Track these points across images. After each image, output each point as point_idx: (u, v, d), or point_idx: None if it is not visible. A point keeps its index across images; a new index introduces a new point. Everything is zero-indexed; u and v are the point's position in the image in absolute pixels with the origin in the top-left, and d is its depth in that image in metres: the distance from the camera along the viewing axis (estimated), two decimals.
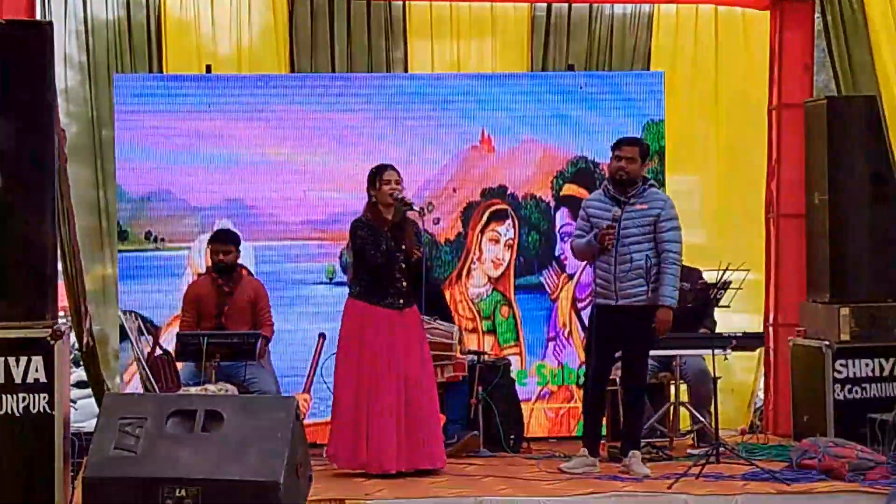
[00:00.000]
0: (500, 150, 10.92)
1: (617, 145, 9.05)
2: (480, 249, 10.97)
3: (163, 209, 10.44)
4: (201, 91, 10.47)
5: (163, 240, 10.43)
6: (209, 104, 10.47)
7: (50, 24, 7.27)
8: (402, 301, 8.86)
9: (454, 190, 10.91)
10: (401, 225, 8.88)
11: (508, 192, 10.95)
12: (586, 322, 9.85)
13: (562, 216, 11.02)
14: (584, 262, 10.06)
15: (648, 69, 11.05)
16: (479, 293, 10.91)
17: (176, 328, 9.67)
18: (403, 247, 8.84)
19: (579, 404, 10.35)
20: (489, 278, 10.97)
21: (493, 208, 10.94)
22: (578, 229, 9.07)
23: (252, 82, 10.58)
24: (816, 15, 10.94)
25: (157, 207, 10.44)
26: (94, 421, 10.29)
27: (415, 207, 8.95)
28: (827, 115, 10.12)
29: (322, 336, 9.85)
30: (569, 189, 10.98)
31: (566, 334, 10.88)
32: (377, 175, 8.95)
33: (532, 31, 11.05)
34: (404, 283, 8.86)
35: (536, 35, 11.05)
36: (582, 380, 9.68)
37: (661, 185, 10.67)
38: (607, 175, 9.18)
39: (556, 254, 10.94)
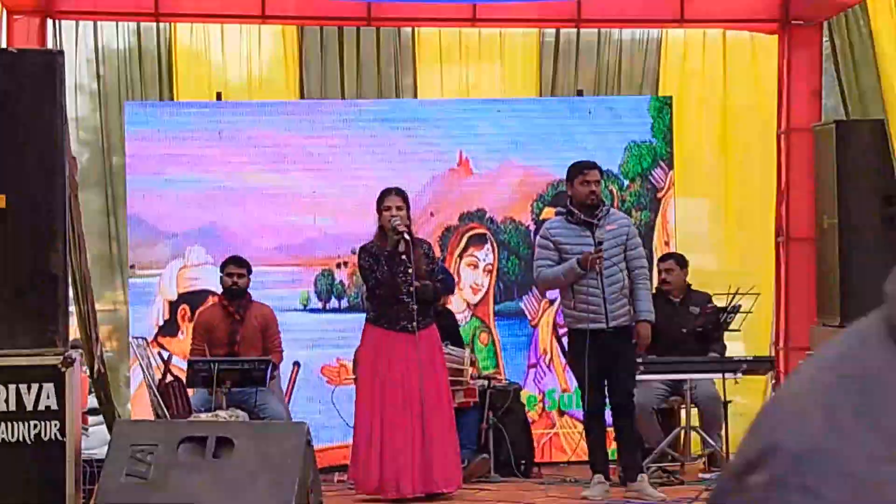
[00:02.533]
0: (478, 172, 10.75)
1: (579, 171, 9.07)
2: (459, 275, 10.78)
3: (133, 236, 10.35)
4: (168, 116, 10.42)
5: (132, 266, 10.38)
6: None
7: (61, 52, 7.32)
8: (414, 324, 8.88)
9: (431, 214, 10.71)
10: (399, 251, 8.87)
11: (487, 215, 10.78)
12: (566, 348, 9.82)
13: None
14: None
15: (657, 93, 11.07)
16: (458, 319, 10.64)
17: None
18: (410, 271, 8.85)
19: (560, 430, 10.36)
20: (468, 304, 10.79)
21: (472, 232, 10.80)
22: (544, 258, 8.98)
23: (229, 108, 10.51)
24: (825, 39, 10.95)
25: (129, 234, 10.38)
26: (106, 448, 10.43)
27: (405, 237, 8.89)
28: (835, 139, 10.14)
29: (297, 364, 9.84)
30: (549, 213, 10.63)
31: (547, 361, 10.69)
32: (380, 201, 9.01)
33: (541, 56, 11.08)
34: (414, 307, 8.88)
35: (545, 60, 11.08)
36: (561, 406, 9.72)
37: (649, 207, 10.73)
38: (573, 201, 9.11)
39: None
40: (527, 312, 10.65)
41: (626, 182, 10.83)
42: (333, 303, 10.57)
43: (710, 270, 10.92)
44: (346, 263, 10.52)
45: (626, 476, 8.99)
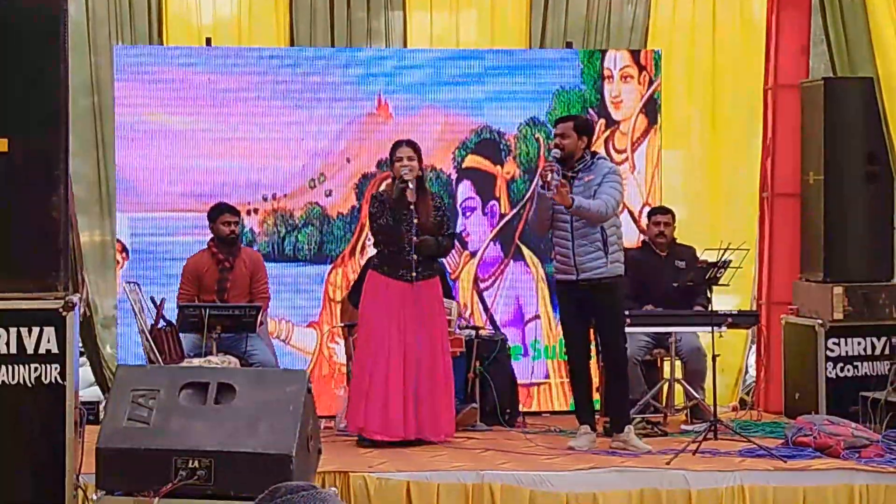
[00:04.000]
0: (398, 117, 10.56)
1: (554, 124, 9.17)
2: None
3: None
4: None
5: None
6: None
7: None
8: (413, 275, 8.96)
9: (348, 160, 10.53)
10: (410, 201, 8.93)
11: (422, 160, 10.59)
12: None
13: (464, 189, 10.73)
14: (489, 241, 10.28)
15: (645, 47, 11.10)
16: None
17: None
18: (415, 220, 8.92)
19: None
20: None
21: (390, 180, 10.68)
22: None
23: (136, 49, 10.37)
24: None
25: None
26: (90, 390, 10.47)
27: (410, 185, 8.93)
28: (824, 96, 10.21)
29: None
30: (472, 161, 10.69)
31: (467, 315, 10.58)
32: (392, 151, 9.07)
33: (530, 6, 11.08)
34: (414, 257, 8.95)
35: (535, 11, 11.07)
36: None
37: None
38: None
39: (458, 229, 10.58)
40: (445, 265, 10.29)
41: (553, 130, 10.69)
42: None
43: (694, 224, 11.00)
44: (256, 210, 10.40)
45: (612, 427, 9.08)
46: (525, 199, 10.70)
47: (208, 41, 10.45)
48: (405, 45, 10.91)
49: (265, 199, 10.46)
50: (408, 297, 8.96)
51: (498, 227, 10.78)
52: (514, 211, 10.77)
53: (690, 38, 11.26)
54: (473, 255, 10.72)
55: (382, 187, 9.22)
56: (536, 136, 10.74)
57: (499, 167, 10.77)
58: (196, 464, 6.52)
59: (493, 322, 10.61)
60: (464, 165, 10.67)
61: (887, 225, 10.31)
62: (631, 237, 10.45)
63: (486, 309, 10.64)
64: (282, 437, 6.57)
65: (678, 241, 10.40)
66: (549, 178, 8.65)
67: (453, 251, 10.29)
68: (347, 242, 10.57)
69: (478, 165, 10.70)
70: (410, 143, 9.11)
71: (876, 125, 9.97)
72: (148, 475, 6.43)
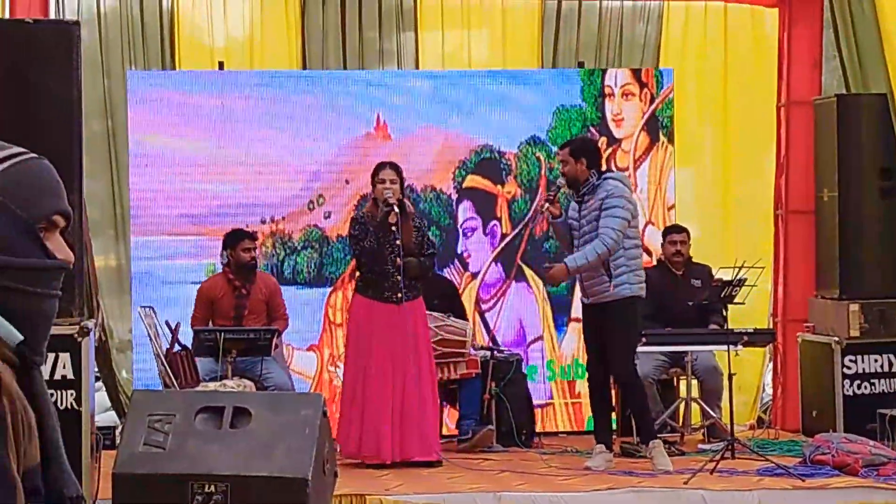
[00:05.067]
0: (396, 138, 10.48)
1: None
2: None
3: None
4: None
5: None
6: None
7: (77, 23, 7.31)
8: (398, 296, 8.96)
9: (347, 181, 10.44)
10: (392, 223, 8.89)
11: (406, 183, 10.17)
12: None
13: (465, 210, 10.62)
14: (490, 261, 10.37)
15: (657, 65, 11.10)
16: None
17: None
18: (398, 243, 8.90)
19: None
20: None
21: (370, 202, 10.46)
22: None
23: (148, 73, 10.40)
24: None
25: None
26: (106, 415, 10.46)
27: (395, 209, 8.89)
28: (837, 113, 10.19)
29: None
30: (472, 181, 10.60)
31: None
32: (375, 173, 9.07)
33: (542, 26, 11.08)
34: (399, 279, 8.94)
35: (547, 30, 11.07)
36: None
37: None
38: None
39: (459, 251, 10.55)
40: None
41: (555, 149, 10.52)
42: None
43: (708, 242, 10.97)
44: (254, 233, 10.16)
45: (641, 439, 9.14)
46: (527, 220, 10.66)
47: (221, 65, 10.46)
48: (417, 66, 10.91)
49: (263, 222, 10.36)
50: (395, 319, 8.96)
51: (499, 248, 10.69)
52: (516, 231, 10.69)
53: (702, 55, 11.25)
54: (475, 276, 10.64)
55: (364, 209, 9.20)
56: (537, 154, 10.70)
57: (499, 187, 10.70)
58: (212, 488, 6.50)
59: (495, 343, 10.54)
60: (464, 185, 10.59)
61: None
62: None
63: (488, 330, 10.59)
64: (298, 461, 6.55)
65: (693, 259, 10.37)
66: (545, 208, 8.89)
67: (454, 270, 10.32)
68: (347, 264, 10.43)
69: (478, 185, 10.62)
70: (393, 166, 9.09)
71: (890, 141, 9.97)
72: (164, 500, 6.41)
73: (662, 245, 10.34)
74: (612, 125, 10.84)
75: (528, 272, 10.70)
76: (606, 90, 10.82)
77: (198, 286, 9.95)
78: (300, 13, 10.74)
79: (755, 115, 11.19)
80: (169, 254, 10.23)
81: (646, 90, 10.88)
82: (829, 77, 12.00)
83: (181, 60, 10.62)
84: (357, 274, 9.34)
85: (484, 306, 10.67)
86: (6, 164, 1.94)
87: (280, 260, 10.42)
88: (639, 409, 9.14)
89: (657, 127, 10.90)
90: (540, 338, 10.72)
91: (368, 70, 10.75)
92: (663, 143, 10.88)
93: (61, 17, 9.81)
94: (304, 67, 10.74)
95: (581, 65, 10.94)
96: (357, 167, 10.40)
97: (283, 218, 10.45)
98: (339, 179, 10.46)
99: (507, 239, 10.71)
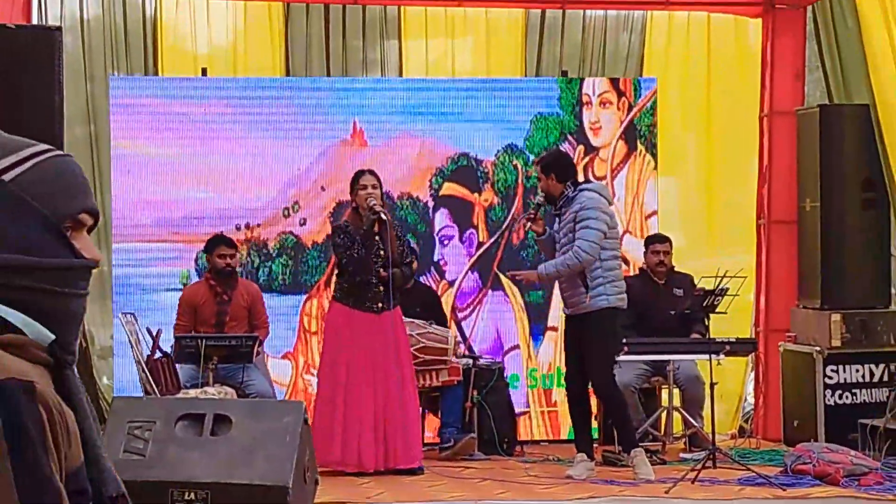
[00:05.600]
0: (373, 145, 10.42)
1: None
2: None
3: None
4: None
5: None
6: None
7: (59, 29, 7.27)
8: (380, 305, 8.96)
9: (322, 188, 10.39)
10: (376, 231, 8.90)
11: (382, 190, 10.31)
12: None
13: (441, 218, 10.59)
14: (467, 270, 10.35)
15: (641, 74, 11.11)
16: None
17: None
18: (382, 252, 8.90)
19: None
20: None
21: (350, 210, 10.42)
22: None
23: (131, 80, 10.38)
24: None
25: None
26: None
27: (383, 216, 8.89)
28: (819, 123, 10.21)
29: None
30: (449, 188, 10.54)
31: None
32: (355, 180, 9.02)
33: (526, 35, 11.09)
34: (381, 288, 8.93)
35: (530, 39, 11.08)
36: None
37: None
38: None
39: (435, 258, 10.51)
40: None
41: (532, 157, 10.56)
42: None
43: (690, 251, 10.98)
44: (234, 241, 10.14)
45: (623, 448, 9.14)
46: (504, 228, 10.64)
47: (204, 71, 10.44)
48: (401, 74, 10.91)
49: (238, 229, 10.26)
50: (374, 327, 8.95)
51: (476, 256, 10.64)
52: (493, 239, 10.66)
53: (686, 64, 11.27)
54: (451, 284, 10.59)
55: (344, 218, 9.17)
56: (514, 162, 10.66)
57: (476, 195, 10.65)
58: (192, 495, 6.49)
59: (471, 352, 10.51)
60: (441, 193, 10.53)
61: (884, 251, 10.31)
62: None
63: (464, 339, 10.55)
64: (278, 468, 6.55)
65: (676, 268, 10.38)
66: (531, 229, 8.90)
67: (431, 280, 10.30)
68: (322, 272, 10.40)
69: (455, 193, 10.56)
70: (372, 172, 9.08)
71: (872, 152, 9.99)
72: None
73: (645, 254, 10.34)
74: (589, 133, 10.80)
75: (505, 281, 10.66)
76: (584, 98, 10.79)
77: (172, 293, 9.93)
78: (284, 21, 10.74)
79: (738, 124, 11.20)
80: (143, 260, 10.16)
81: (623, 99, 10.86)
82: (812, 87, 12.05)
83: (164, 67, 10.61)
84: (334, 281, 9.30)
85: (460, 315, 10.62)
86: (31, 163, 1.91)
87: (255, 267, 10.36)
88: (620, 419, 9.14)
89: (635, 135, 10.87)
90: (516, 347, 10.68)
91: (344, 77, 10.71)
92: (641, 151, 10.85)
93: (44, 23, 9.79)
94: (288, 75, 10.73)
95: (564, 74, 10.93)
96: (333, 174, 10.36)
97: (259, 225, 10.37)
98: (314, 186, 10.41)
99: (484, 247, 10.67)
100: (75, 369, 1.95)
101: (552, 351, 10.64)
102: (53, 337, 1.88)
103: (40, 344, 1.88)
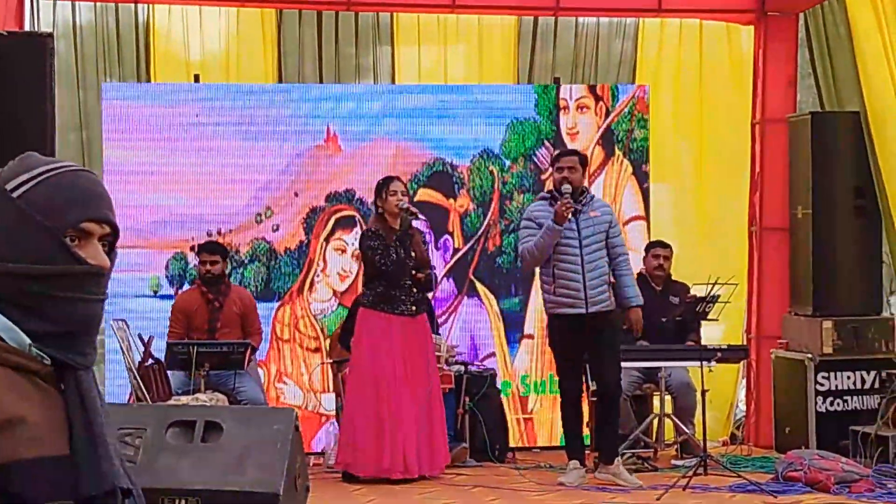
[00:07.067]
0: (347, 150, 10.34)
1: (556, 158, 9.16)
2: (325, 260, 10.32)
3: None
4: None
5: None
6: None
7: (51, 35, 7.26)
8: (414, 308, 8.98)
9: (296, 194, 10.28)
10: (407, 233, 8.95)
11: (356, 196, 10.30)
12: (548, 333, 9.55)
13: (416, 224, 10.51)
14: (442, 276, 10.20)
15: (634, 81, 11.12)
16: (323, 308, 10.33)
17: None
18: (413, 254, 8.92)
19: None
20: (335, 292, 10.35)
21: (339, 214, 10.36)
22: (528, 237, 8.95)
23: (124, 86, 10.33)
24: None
25: None
26: None
27: (420, 217, 8.98)
28: (811, 130, 10.22)
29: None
30: (424, 194, 10.44)
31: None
32: (384, 186, 9.03)
33: (518, 42, 11.10)
34: (415, 290, 8.96)
35: (523, 46, 11.09)
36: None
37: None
38: (552, 187, 9.16)
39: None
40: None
41: (508, 163, 10.58)
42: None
43: (683, 258, 10.98)
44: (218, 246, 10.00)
45: (602, 458, 9.04)
46: (479, 234, 10.62)
47: (196, 78, 10.44)
48: (393, 81, 10.91)
49: (209, 235, 10.16)
50: (409, 331, 8.96)
51: (451, 263, 10.59)
52: (469, 246, 10.61)
53: (678, 71, 11.27)
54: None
55: (371, 224, 9.16)
56: (490, 168, 10.62)
57: (451, 201, 10.60)
58: (183, 503, 6.48)
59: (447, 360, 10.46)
60: (416, 199, 10.36)
61: (876, 259, 10.32)
62: None
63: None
64: (269, 476, 6.53)
65: (673, 276, 10.38)
66: (568, 216, 8.72)
67: None
68: (296, 279, 10.33)
69: (430, 199, 10.48)
70: (399, 179, 9.16)
71: (864, 159, 10.01)
72: None
73: (644, 258, 10.34)
74: (566, 139, 10.75)
75: (481, 287, 10.62)
76: (561, 104, 10.76)
77: (142, 300, 9.94)
78: (277, 28, 10.74)
79: (730, 131, 11.22)
80: (115, 266, 10.05)
81: (601, 104, 10.83)
82: (805, 95, 12.06)
83: (156, 73, 10.61)
84: (363, 289, 9.23)
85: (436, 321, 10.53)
86: (38, 179, 2.07)
87: (227, 273, 10.28)
88: (616, 425, 9.14)
89: (612, 141, 10.83)
90: (492, 354, 10.65)
91: (319, 84, 10.66)
92: (619, 157, 10.81)
93: (36, 29, 9.79)
94: (281, 82, 10.73)
95: (557, 81, 10.94)
96: (306, 180, 10.29)
97: (231, 231, 10.26)
98: (288, 192, 10.31)
99: (460, 254, 10.62)
100: (92, 371, 2.10)
101: (528, 358, 10.62)
102: (29, 342, 2.01)
103: (17, 349, 2.01)
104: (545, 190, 9.81)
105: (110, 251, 2.15)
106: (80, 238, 2.08)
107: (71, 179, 2.10)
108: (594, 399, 9.58)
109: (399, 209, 8.90)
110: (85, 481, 2.02)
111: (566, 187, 8.81)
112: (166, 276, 10.15)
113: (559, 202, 8.75)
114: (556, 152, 9.47)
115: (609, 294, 8.90)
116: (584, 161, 9.14)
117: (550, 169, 9.24)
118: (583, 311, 8.86)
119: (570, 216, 8.76)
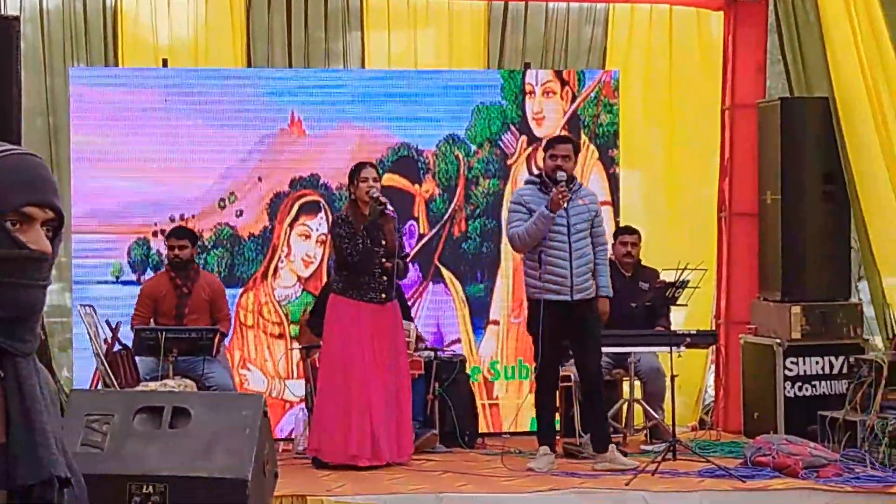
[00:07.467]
0: (311, 134, 10.29)
1: (550, 145, 9.11)
2: (289, 246, 10.28)
3: None
4: None
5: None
6: None
7: (17, 18, 7.25)
8: (383, 296, 8.95)
9: (259, 179, 10.23)
10: (378, 222, 8.91)
11: (321, 181, 10.25)
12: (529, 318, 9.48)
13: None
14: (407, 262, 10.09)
15: (604, 67, 11.11)
16: (287, 294, 10.29)
17: None
18: (383, 243, 8.89)
19: None
20: (299, 278, 10.32)
21: (304, 200, 10.32)
22: (517, 220, 8.91)
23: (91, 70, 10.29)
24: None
25: None
26: None
27: (389, 208, 8.91)
28: (780, 116, 10.24)
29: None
30: (389, 179, 10.34)
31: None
32: (356, 173, 8.99)
33: (489, 26, 11.08)
34: (384, 278, 8.93)
35: (493, 31, 11.07)
36: None
37: (498, 175, 10.60)
38: (544, 173, 9.11)
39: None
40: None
41: (474, 147, 10.56)
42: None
43: (654, 244, 10.99)
44: (163, 231, 9.97)
45: (595, 447, 9.04)
46: (445, 219, 10.59)
47: (164, 62, 10.39)
48: (363, 66, 10.88)
49: (172, 220, 10.09)
50: (378, 319, 8.93)
51: (417, 248, 10.54)
52: (434, 231, 10.59)
53: (648, 57, 11.27)
54: None
55: (342, 210, 9.13)
56: (456, 153, 10.59)
57: (417, 186, 10.56)
58: (151, 489, 6.45)
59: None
60: (381, 184, 10.46)
61: (844, 244, 10.35)
62: None
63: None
64: (238, 462, 6.51)
65: (643, 262, 10.39)
66: (563, 204, 8.69)
67: None
68: (259, 264, 10.28)
69: (395, 184, 10.42)
70: (373, 165, 9.14)
71: (833, 145, 10.03)
72: (102, 501, 6.35)
73: (613, 245, 10.32)
74: (532, 124, 10.72)
75: (446, 273, 10.59)
76: (527, 88, 10.72)
77: (104, 286, 9.89)
78: (245, 13, 10.70)
79: (701, 117, 11.23)
80: (76, 252, 10.02)
81: (567, 88, 10.79)
82: (774, 81, 12.07)
83: (125, 58, 10.55)
84: (334, 275, 9.18)
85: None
86: None
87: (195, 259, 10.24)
88: (603, 412, 9.17)
89: (579, 126, 10.80)
90: (458, 340, 10.63)
91: (282, 68, 10.61)
92: (585, 142, 10.76)
93: (3, 12, 9.72)
94: (250, 67, 10.68)
95: (527, 66, 10.92)
96: (270, 164, 10.24)
97: (194, 216, 10.19)
98: (251, 177, 10.26)
99: (425, 239, 10.59)
100: (34, 358, 2.06)
101: (494, 344, 10.61)
102: None
103: None
104: (533, 174, 9.68)
105: (54, 237, 2.09)
106: (21, 222, 2.03)
107: (15, 163, 2.05)
108: (565, 385, 9.59)
109: (369, 197, 8.87)
110: (20, 470, 1.98)
111: (561, 175, 8.81)
112: (128, 262, 10.09)
113: (555, 191, 8.72)
114: (550, 138, 9.44)
115: (592, 282, 8.90)
116: (577, 149, 9.13)
117: (543, 154, 9.13)
118: (568, 297, 8.85)
119: (565, 204, 8.74)
